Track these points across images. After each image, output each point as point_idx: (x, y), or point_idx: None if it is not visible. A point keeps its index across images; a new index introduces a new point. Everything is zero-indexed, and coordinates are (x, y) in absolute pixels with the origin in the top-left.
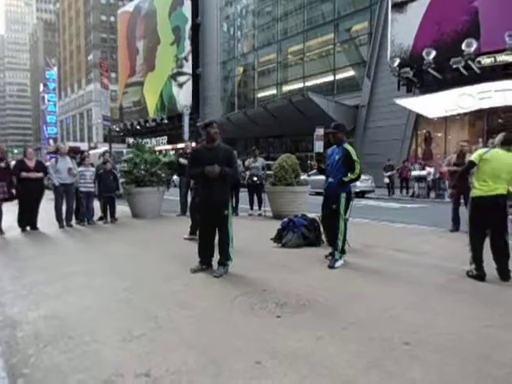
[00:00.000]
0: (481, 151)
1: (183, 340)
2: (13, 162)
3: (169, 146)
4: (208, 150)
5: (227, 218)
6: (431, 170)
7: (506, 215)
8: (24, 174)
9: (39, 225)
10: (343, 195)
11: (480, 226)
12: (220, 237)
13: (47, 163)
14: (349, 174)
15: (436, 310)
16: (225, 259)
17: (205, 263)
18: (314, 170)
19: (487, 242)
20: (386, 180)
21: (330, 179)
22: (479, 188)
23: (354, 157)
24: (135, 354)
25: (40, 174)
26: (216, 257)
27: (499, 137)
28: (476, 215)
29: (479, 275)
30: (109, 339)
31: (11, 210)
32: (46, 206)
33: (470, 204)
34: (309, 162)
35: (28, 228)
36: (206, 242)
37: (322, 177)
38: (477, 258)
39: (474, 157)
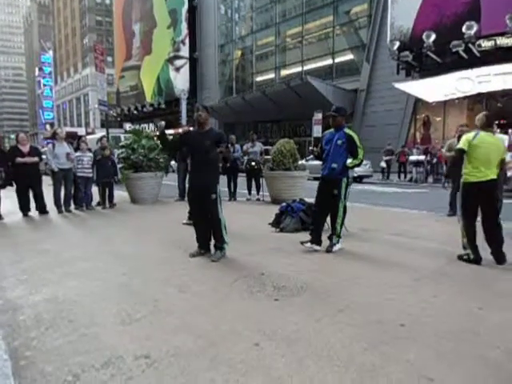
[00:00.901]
0: (468, 137)
1: (182, 323)
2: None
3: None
4: (199, 134)
5: (216, 203)
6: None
7: (497, 199)
8: (19, 160)
9: (37, 210)
10: (344, 180)
11: (473, 211)
12: (211, 221)
13: (44, 149)
14: (352, 160)
15: (431, 292)
16: (220, 243)
17: (202, 248)
18: (311, 156)
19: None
20: (383, 164)
21: (334, 165)
22: (472, 174)
23: (358, 142)
24: (134, 337)
25: (35, 159)
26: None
27: (481, 118)
28: (468, 201)
29: (475, 259)
30: (108, 322)
31: (11, 195)
32: (45, 192)
33: (462, 190)
34: (310, 148)
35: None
36: (200, 226)
37: (320, 162)
38: (471, 243)
39: (462, 143)
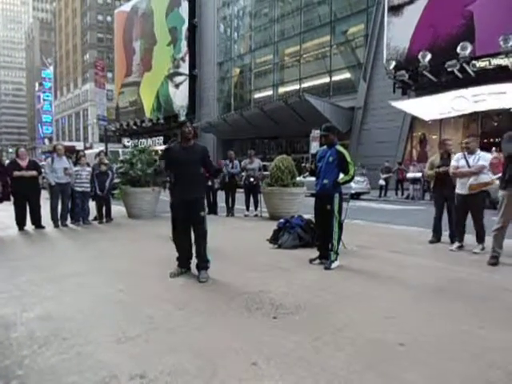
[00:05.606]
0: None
1: (179, 341)
2: (7, 162)
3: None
4: (183, 149)
5: (204, 219)
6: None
7: None
8: (17, 173)
9: (33, 225)
10: (336, 196)
11: None
12: (196, 238)
13: (43, 162)
14: (343, 176)
15: (430, 311)
16: (204, 262)
17: (184, 266)
18: (307, 173)
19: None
20: (382, 182)
21: (325, 181)
22: None
23: (348, 159)
24: (130, 356)
25: (33, 172)
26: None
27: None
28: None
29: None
30: (103, 340)
31: (7, 209)
32: (41, 206)
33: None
34: (303, 164)
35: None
36: (183, 244)
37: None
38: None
39: None
